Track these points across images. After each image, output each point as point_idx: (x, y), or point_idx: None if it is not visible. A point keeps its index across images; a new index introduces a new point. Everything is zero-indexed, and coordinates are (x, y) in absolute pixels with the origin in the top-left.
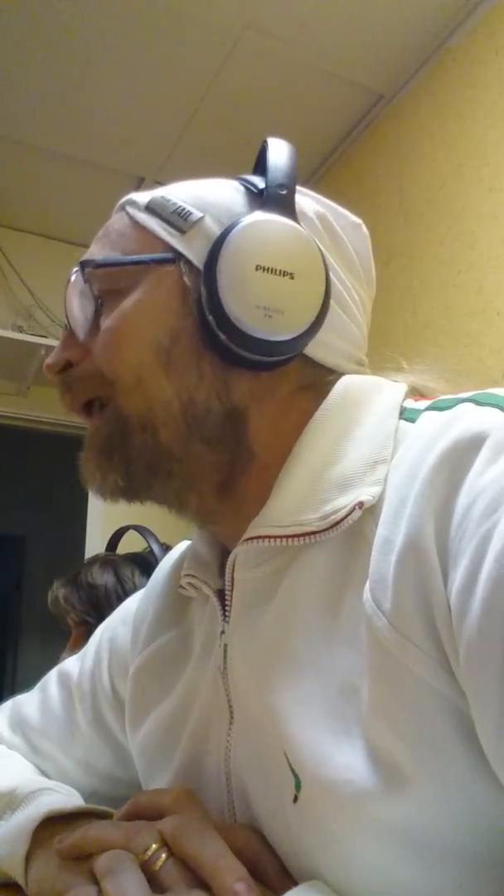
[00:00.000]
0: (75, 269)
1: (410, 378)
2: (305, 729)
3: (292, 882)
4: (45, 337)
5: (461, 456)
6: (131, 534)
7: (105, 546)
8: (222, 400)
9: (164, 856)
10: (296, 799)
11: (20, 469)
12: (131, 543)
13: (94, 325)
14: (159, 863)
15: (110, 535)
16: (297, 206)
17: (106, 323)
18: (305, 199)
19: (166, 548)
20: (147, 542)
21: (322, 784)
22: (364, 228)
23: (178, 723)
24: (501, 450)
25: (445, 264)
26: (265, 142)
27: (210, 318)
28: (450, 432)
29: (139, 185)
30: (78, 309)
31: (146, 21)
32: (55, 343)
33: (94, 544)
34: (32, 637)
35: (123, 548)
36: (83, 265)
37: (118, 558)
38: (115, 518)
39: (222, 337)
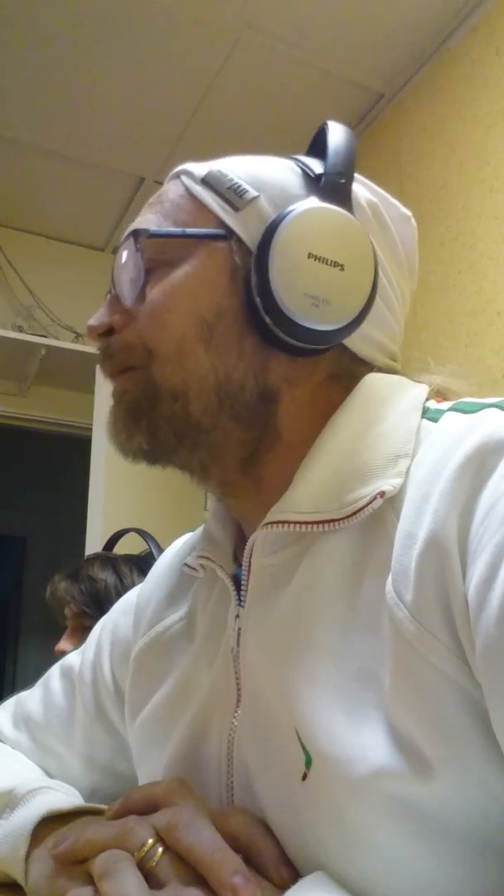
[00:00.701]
0: (127, 236)
1: (436, 380)
2: (319, 709)
3: (290, 868)
4: (45, 337)
5: (487, 457)
6: (127, 538)
7: (103, 547)
8: (257, 380)
9: (159, 851)
10: (305, 777)
11: (20, 469)
12: (127, 548)
13: (141, 293)
14: (155, 858)
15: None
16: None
17: (153, 293)
18: (359, 187)
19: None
20: (147, 544)
21: (334, 760)
22: (413, 221)
23: (176, 705)
24: None
25: (445, 264)
26: (325, 124)
27: (258, 300)
28: (476, 434)
29: (139, 185)
30: (126, 275)
31: (146, 21)
32: (55, 343)
33: (94, 544)
34: (32, 637)
35: (119, 551)
36: (136, 233)
37: (118, 557)
38: (115, 518)
39: (268, 320)
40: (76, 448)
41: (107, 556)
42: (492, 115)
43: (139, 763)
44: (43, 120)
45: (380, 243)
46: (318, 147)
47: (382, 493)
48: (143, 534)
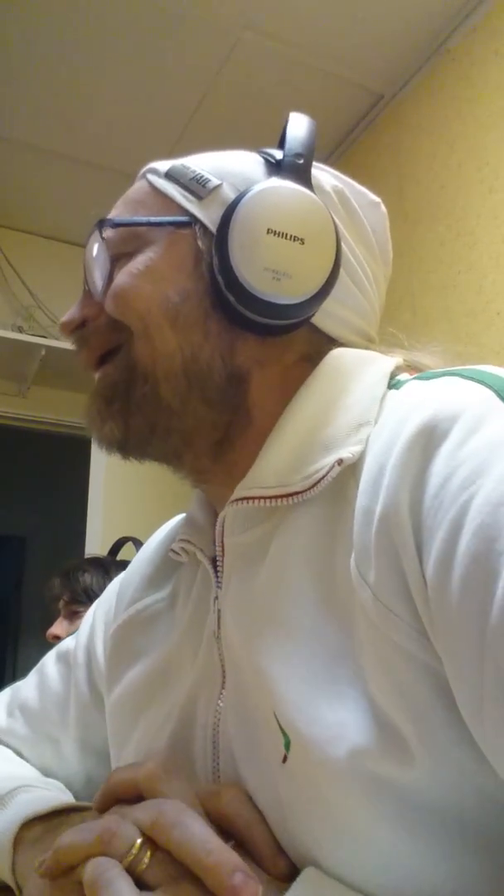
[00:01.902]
0: (93, 229)
1: (409, 354)
2: (295, 688)
3: (285, 857)
4: (45, 337)
5: (438, 426)
6: (129, 547)
7: (104, 549)
8: (225, 361)
9: (148, 853)
10: (285, 759)
11: (20, 469)
12: (129, 556)
13: (109, 284)
14: (145, 861)
15: (109, 537)
16: (314, 180)
17: (117, 276)
18: (323, 174)
19: None
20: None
21: (312, 741)
22: (382, 207)
23: (155, 684)
24: (480, 423)
25: (445, 264)
26: (288, 116)
27: (219, 278)
28: (430, 402)
29: None
30: (94, 268)
31: (146, 21)
32: (55, 343)
33: (94, 544)
34: (32, 637)
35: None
36: (101, 224)
37: (108, 559)
38: (115, 518)
39: (230, 297)
40: (76, 448)
41: (97, 557)
42: (492, 116)
43: (113, 740)
44: (43, 120)
45: (346, 225)
46: (282, 138)
47: (340, 461)
48: (137, 543)
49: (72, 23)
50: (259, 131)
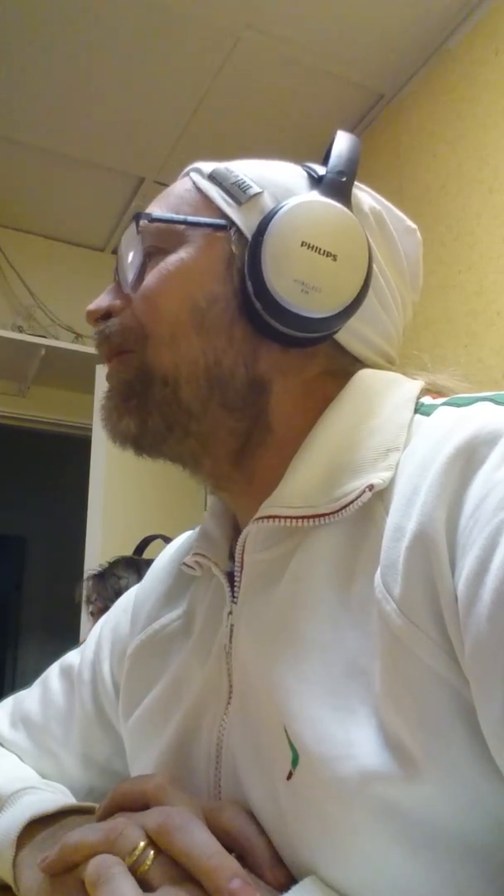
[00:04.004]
0: (131, 221)
1: (431, 377)
2: (307, 705)
3: (284, 868)
4: (44, 337)
5: (477, 449)
6: (158, 542)
7: (104, 549)
8: (248, 368)
9: (151, 854)
10: (290, 776)
11: (20, 469)
12: (135, 553)
13: (139, 277)
14: (147, 862)
15: (109, 537)
16: (353, 199)
17: (148, 276)
18: (363, 195)
19: None
20: None
21: (320, 759)
22: (418, 234)
23: (170, 702)
24: None
25: (445, 264)
26: (336, 134)
27: (248, 284)
28: (467, 426)
29: (139, 185)
30: (126, 259)
31: (146, 21)
32: (55, 343)
33: (94, 545)
34: (32, 637)
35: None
36: (138, 217)
37: (140, 559)
38: (115, 518)
39: (257, 305)
40: (76, 448)
41: (130, 558)
42: (492, 115)
43: (132, 761)
44: (43, 120)
45: (380, 248)
46: (327, 155)
47: (371, 487)
48: (166, 540)
49: (72, 23)
50: (259, 131)
